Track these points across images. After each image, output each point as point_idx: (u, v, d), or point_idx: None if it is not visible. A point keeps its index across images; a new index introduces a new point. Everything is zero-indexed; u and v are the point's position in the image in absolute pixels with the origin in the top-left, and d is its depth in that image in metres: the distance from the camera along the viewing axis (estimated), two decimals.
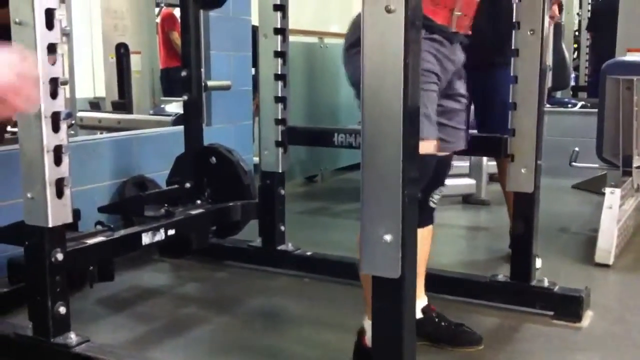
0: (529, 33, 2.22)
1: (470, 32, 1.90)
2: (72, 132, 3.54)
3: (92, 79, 6.50)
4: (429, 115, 1.70)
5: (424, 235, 1.93)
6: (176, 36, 6.11)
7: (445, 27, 1.81)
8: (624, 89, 3.18)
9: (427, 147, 1.64)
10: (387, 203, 1.35)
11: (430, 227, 2.00)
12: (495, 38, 2.56)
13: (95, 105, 5.81)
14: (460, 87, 1.95)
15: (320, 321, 2.32)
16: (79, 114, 4.92)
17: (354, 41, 1.79)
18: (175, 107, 5.14)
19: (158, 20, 6.43)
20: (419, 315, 2.01)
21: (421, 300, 2.07)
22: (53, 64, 1.74)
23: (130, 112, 5.03)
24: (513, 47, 2.25)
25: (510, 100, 2.28)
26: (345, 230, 3.33)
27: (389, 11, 1.30)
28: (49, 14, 1.72)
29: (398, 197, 1.33)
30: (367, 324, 1.76)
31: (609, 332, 2.24)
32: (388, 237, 1.35)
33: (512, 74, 2.26)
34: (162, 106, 5.56)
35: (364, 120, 1.35)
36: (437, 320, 2.09)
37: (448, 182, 4.08)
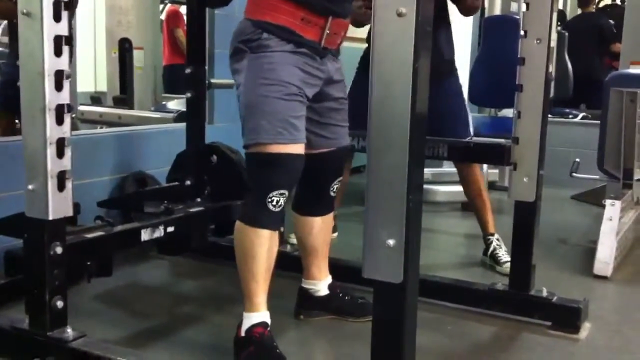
0: (535, 42, 2.21)
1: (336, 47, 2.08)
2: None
3: (94, 73, 6.49)
4: (293, 123, 1.91)
5: (325, 220, 2.24)
6: (180, 33, 6.10)
7: (315, 42, 1.96)
8: (627, 101, 3.18)
9: (294, 148, 1.91)
10: (392, 207, 1.34)
11: (332, 213, 2.27)
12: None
13: (96, 99, 5.79)
14: (335, 90, 2.11)
15: (320, 323, 2.31)
16: (80, 107, 4.91)
17: (232, 52, 1.98)
18: (176, 104, 5.13)
19: (163, 16, 6.42)
20: (325, 292, 2.31)
21: (327, 279, 2.32)
22: (59, 56, 1.73)
23: (131, 107, 5.01)
24: (519, 56, 2.25)
25: (514, 109, 2.29)
26: (346, 233, 3.33)
27: (399, 15, 1.30)
28: (57, 5, 1.71)
29: (403, 201, 1.33)
30: (244, 315, 1.98)
31: (607, 344, 2.24)
32: (391, 242, 1.34)
33: (516, 83, 2.27)
34: (163, 103, 5.55)
35: (371, 124, 1.35)
36: (341, 295, 2.32)
37: (447, 188, 4.18)
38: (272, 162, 1.91)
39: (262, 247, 1.94)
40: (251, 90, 1.91)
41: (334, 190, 2.20)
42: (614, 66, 5.56)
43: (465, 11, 2.95)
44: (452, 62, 3.00)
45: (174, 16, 6.44)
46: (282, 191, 1.93)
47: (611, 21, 6.36)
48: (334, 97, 2.11)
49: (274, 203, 1.92)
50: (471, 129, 3.04)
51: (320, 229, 2.25)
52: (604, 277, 2.87)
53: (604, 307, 2.59)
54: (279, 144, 1.90)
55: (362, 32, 3.05)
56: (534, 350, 2.18)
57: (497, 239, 2.99)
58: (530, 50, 2.22)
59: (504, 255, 2.92)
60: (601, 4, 7.38)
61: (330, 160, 2.16)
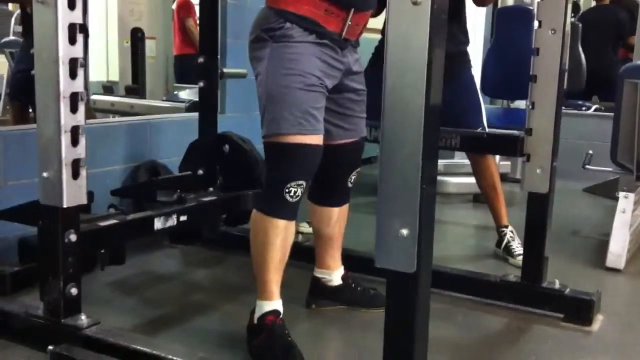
0: (550, 32, 2.20)
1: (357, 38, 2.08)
2: None
3: (106, 62, 6.51)
4: (314, 114, 1.91)
5: (342, 211, 2.26)
6: (191, 23, 6.10)
7: (336, 33, 1.96)
8: None
9: (313, 139, 1.92)
10: (405, 197, 1.33)
11: (347, 204, 2.27)
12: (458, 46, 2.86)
13: (108, 89, 5.81)
14: (354, 82, 2.11)
15: (331, 313, 2.32)
16: (92, 97, 4.94)
17: (252, 39, 1.98)
18: (187, 94, 5.14)
19: (174, 6, 6.42)
20: (338, 282, 2.32)
21: (340, 270, 2.33)
22: (73, 44, 1.74)
23: (143, 97, 5.03)
24: (533, 46, 2.23)
25: (528, 100, 2.28)
26: (357, 224, 3.32)
27: (414, 3, 1.28)
28: None
29: (416, 191, 1.32)
30: (257, 303, 1.99)
31: (619, 337, 2.23)
32: (404, 231, 1.33)
33: (530, 73, 2.25)
34: (175, 92, 5.56)
35: (385, 115, 1.34)
36: (353, 286, 2.34)
37: (458, 180, 4.17)
38: (292, 153, 1.91)
39: (278, 236, 1.94)
40: (273, 80, 1.91)
41: (352, 181, 2.21)
42: (630, 58, 5.51)
43: (479, 1, 2.93)
44: (467, 52, 2.99)
45: (184, 6, 6.44)
46: (300, 182, 1.92)
47: None
48: (353, 88, 2.11)
49: (292, 194, 1.92)
50: (485, 120, 3.03)
51: (337, 219, 2.25)
52: (617, 270, 2.86)
53: (616, 299, 2.58)
54: (299, 135, 1.89)
55: (377, 22, 3.03)
56: (546, 342, 2.18)
57: (511, 231, 2.98)
58: (545, 40, 2.20)
59: (518, 247, 2.90)
60: None
61: (348, 152, 2.17)
